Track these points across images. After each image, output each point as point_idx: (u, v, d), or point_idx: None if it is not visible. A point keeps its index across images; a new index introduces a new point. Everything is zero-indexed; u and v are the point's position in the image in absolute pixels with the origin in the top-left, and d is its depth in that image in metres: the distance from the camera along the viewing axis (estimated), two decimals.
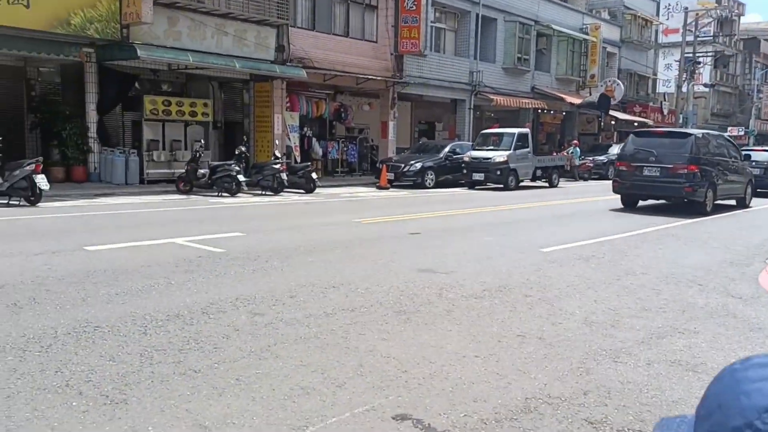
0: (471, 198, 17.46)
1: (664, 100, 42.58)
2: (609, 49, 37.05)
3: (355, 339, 4.49)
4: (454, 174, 21.12)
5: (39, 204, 12.07)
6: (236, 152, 16.89)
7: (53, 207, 11.88)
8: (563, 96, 31.57)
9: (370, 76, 22.39)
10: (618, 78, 36.65)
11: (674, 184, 13.60)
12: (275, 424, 3.11)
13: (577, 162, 26.99)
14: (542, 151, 28.37)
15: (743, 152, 17.31)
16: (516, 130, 22.16)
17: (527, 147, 21.60)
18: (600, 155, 29.14)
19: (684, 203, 14.17)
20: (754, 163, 18.59)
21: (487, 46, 28.52)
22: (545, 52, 32.20)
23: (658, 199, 14.93)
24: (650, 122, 37.29)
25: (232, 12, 18.27)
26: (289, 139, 20.69)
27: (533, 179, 22.24)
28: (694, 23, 39.93)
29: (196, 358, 3.97)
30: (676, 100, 41.29)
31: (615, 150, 29.41)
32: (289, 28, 20.05)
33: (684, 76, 39.54)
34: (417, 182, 20.15)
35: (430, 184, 20.41)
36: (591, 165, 28.00)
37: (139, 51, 15.75)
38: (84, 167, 16.75)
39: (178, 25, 17.28)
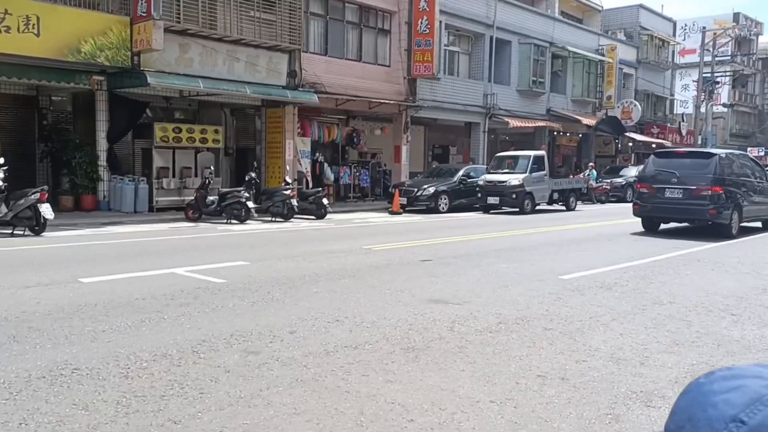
0: (486, 222, 17.02)
1: (683, 121, 41.96)
2: (625, 70, 36.64)
3: (356, 381, 4.07)
4: (469, 198, 20.70)
5: (44, 234, 11.82)
6: (246, 178, 16.64)
7: (57, 237, 11.63)
8: (579, 118, 31.15)
9: (383, 100, 22.16)
10: (635, 99, 36.19)
11: (698, 206, 13.07)
12: None
13: (593, 184, 26.47)
14: (558, 174, 27.88)
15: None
16: (532, 153, 21.74)
17: (543, 170, 21.15)
18: (617, 177, 28.61)
19: (708, 226, 13.62)
20: None
21: (501, 68, 28.27)
22: (560, 74, 31.88)
23: (680, 222, 14.39)
24: (668, 143, 36.68)
25: (244, 38, 18.16)
26: (300, 164, 20.44)
27: (550, 203, 21.73)
28: (711, 43, 39.48)
29: (178, 406, 3.57)
30: (695, 121, 40.67)
31: (632, 172, 29.03)
32: (302, 53, 19.90)
33: (702, 96, 38.98)
34: (430, 207, 19.76)
35: (443, 208, 19.99)
36: (608, 187, 27.46)
37: (149, 78, 15.63)
38: (93, 196, 16.57)
39: (190, 52, 17.18)
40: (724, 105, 48.76)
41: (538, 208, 20.88)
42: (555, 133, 31.55)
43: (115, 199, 16.59)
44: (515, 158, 21.44)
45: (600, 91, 33.83)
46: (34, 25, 14.06)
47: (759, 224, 15.23)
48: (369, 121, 24.59)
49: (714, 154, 13.68)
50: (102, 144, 16.69)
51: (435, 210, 19.71)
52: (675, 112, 44.84)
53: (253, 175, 16.88)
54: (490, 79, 27.39)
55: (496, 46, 27.55)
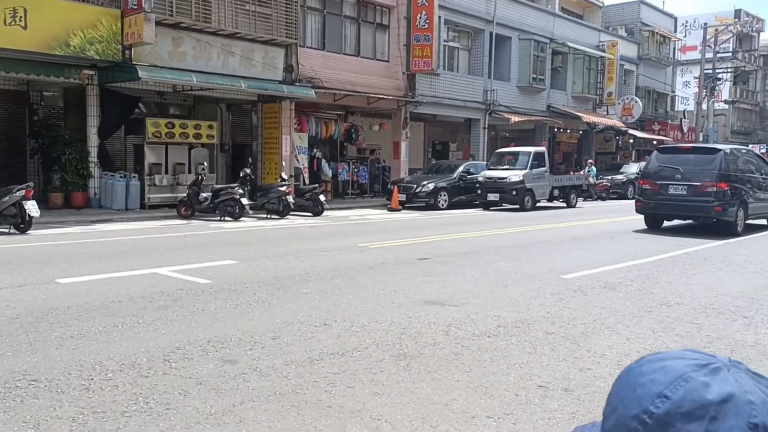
0: (485, 220, 16.66)
1: (684, 118, 41.54)
2: (626, 66, 36.22)
3: (341, 394, 3.72)
4: (469, 195, 20.34)
5: (29, 232, 11.46)
6: (241, 174, 16.28)
7: (43, 235, 11.27)
8: (580, 114, 30.77)
9: (381, 96, 21.78)
10: (636, 95, 35.78)
11: (702, 203, 12.71)
12: None
13: (593, 181, 26.13)
14: (559, 171, 27.52)
15: None
16: (532, 149, 21.38)
17: (544, 166, 20.79)
18: (618, 174, 28.27)
19: (713, 224, 13.27)
20: None
21: (501, 64, 27.88)
22: (561, 70, 31.49)
23: (684, 220, 14.02)
24: (669, 140, 36.26)
25: (239, 32, 17.77)
26: (297, 160, 20.08)
27: (550, 199, 21.37)
28: (713, 39, 39.06)
29: (139, 424, 3.22)
30: (696, 118, 40.27)
31: (632, 169, 28.65)
32: (298, 47, 19.53)
33: (704, 93, 38.57)
34: (430, 203, 19.40)
35: (443, 205, 19.64)
36: (608, 184, 27.11)
37: (140, 72, 15.24)
38: (84, 193, 16.20)
39: (183, 46, 16.80)
40: (725, 102, 48.38)
41: (538, 205, 20.52)
42: (555, 129, 31.17)
43: (106, 196, 16.22)
44: (515, 154, 21.08)
45: (601, 87, 33.45)
46: (21, 17, 13.68)
47: (764, 221, 14.87)
48: (367, 116, 24.22)
49: (719, 150, 13.31)
50: (93, 140, 16.33)
51: (434, 207, 19.36)
52: (676, 109, 44.44)
53: (248, 171, 16.50)
54: (489, 75, 27.00)
55: (496, 42, 27.16)
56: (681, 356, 0.73)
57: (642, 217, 14.05)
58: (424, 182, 19.77)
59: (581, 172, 26.39)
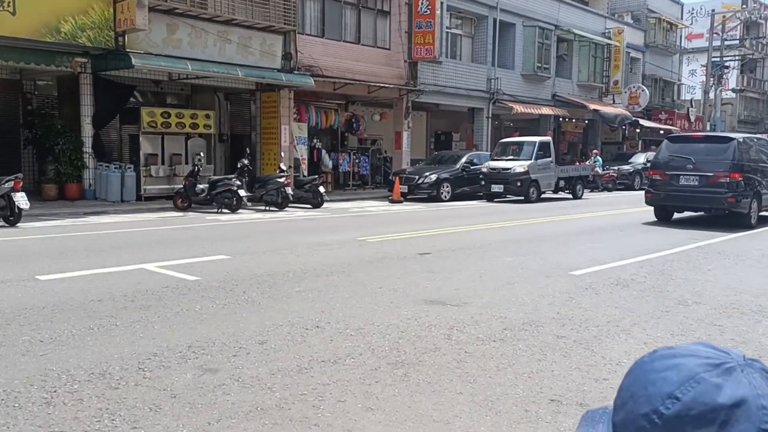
0: (489, 211, 16.24)
1: (691, 107, 40.94)
2: (633, 54, 35.60)
3: (330, 410, 3.33)
4: (472, 186, 19.90)
5: (19, 224, 11.11)
6: (238, 165, 15.89)
7: (32, 228, 10.90)
8: (585, 103, 30.24)
9: (382, 84, 21.32)
10: (642, 84, 35.19)
11: (715, 194, 12.27)
12: None
13: (599, 171, 25.64)
14: (564, 161, 27.03)
15: None
16: (537, 139, 20.90)
17: (549, 156, 20.32)
18: (625, 164, 27.75)
19: (725, 215, 12.84)
20: None
21: (505, 52, 27.34)
22: (566, 58, 30.92)
23: (696, 212, 13.60)
24: (677, 129, 35.73)
25: (236, 18, 17.32)
26: (296, 151, 19.67)
27: (556, 191, 20.91)
28: (720, 27, 38.40)
29: None
30: (703, 107, 39.67)
31: (640, 159, 28.15)
32: (297, 35, 19.06)
33: (711, 81, 37.96)
34: (432, 195, 18.98)
35: (446, 196, 19.21)
36: (615, 175, 26.60)
37: (134, 60, 14.82)
38: (79, 184, 15.81)
39: (178, 33, 16.36)
40: (732, 90, 47.70)
41: (543, 196, 20.08)
42: (560, 119, 30.66)
43: (101, 188, 15.84)
44: (520, 144, 20.60)
45: (607, 75, 32.87)
46: (9, 2, 13.27)
47: None
48: (369, 106, 23.76)
49: (732, 139, 12.83)
50: (87, 130, 15.92)
51: (437, 198, 18.95)
52: (683, 98, 43.81)
53: (246, 162, 16.10)
54: (493, 63, 26.47)
55: (500, 29, 26.62)
56: (694, 353, 0.71)
57: (651, 209, 13.62)
58: (427, 173, 19.34)
59: (587, 163, 25.91)
